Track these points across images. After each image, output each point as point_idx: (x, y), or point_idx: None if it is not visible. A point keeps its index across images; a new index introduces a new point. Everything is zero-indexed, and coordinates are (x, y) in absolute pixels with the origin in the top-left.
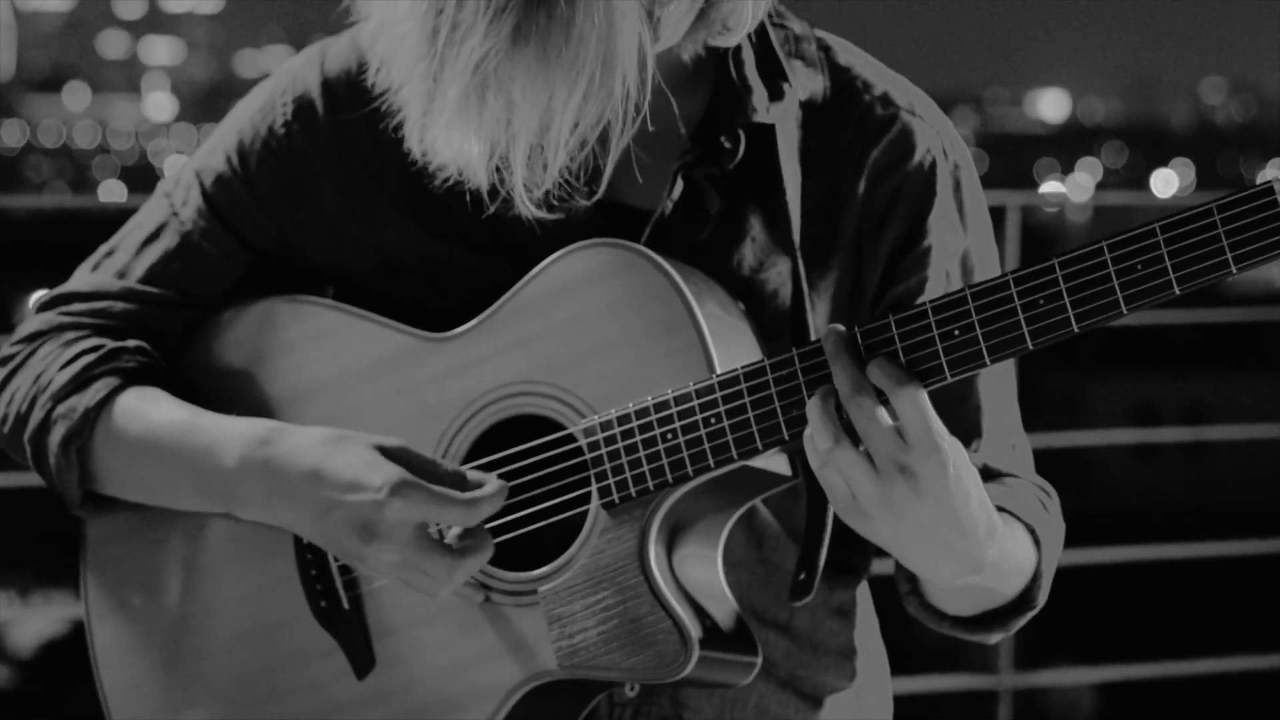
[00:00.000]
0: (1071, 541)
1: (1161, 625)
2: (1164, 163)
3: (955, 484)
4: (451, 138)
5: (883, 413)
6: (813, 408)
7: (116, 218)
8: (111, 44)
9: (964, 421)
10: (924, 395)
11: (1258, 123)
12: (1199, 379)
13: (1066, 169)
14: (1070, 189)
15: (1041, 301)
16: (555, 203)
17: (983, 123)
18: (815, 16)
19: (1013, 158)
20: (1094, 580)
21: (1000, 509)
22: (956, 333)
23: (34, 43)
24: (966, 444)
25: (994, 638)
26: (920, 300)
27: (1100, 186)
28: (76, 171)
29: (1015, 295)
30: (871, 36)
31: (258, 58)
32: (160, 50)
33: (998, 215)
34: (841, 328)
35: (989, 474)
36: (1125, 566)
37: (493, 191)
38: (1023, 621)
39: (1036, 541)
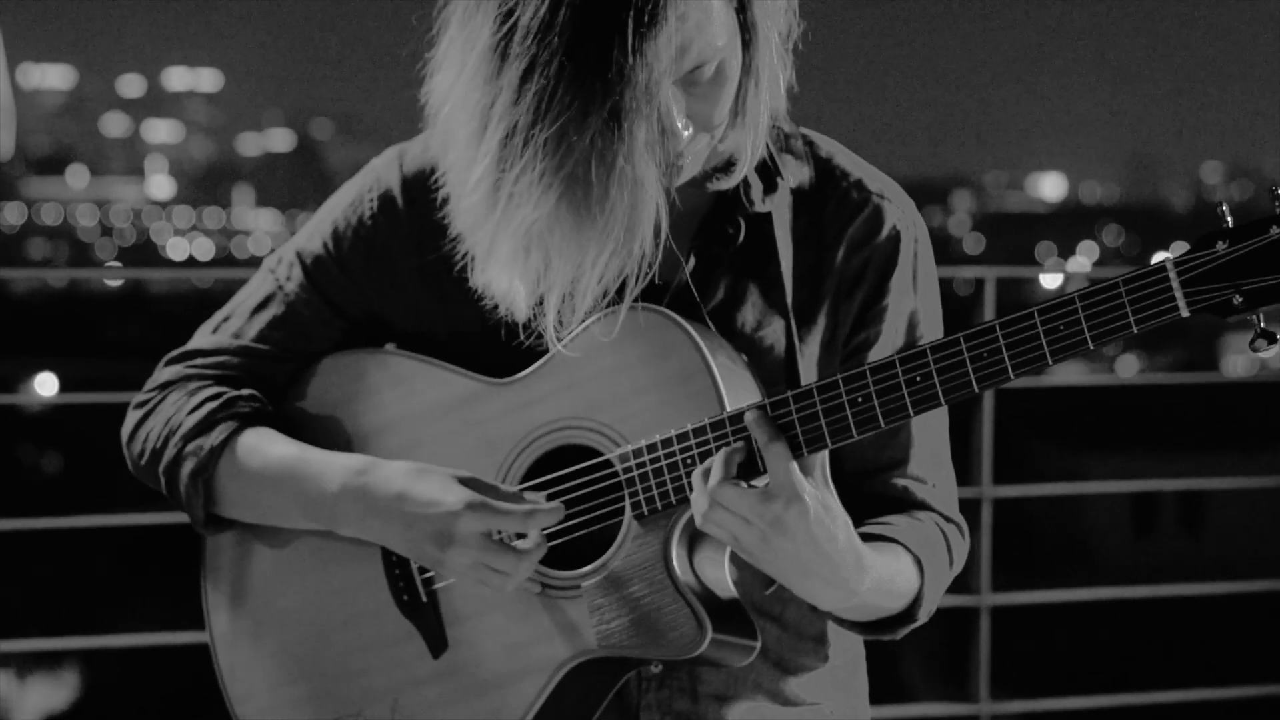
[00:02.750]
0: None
1: (1136, 658)
2: (1164, 245)
3: (818, 527)
4: (501, 280)
5: (742, 490)
6: (696, 490)
7: (117, 292)
8: (112, 124)
9: (895, 449)
10: (789, 461)
11: (1257, 205)
12: (1196, 459)
13: (1066, 252)
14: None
15: (985, 355)
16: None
17: (981, 205)
18: (823, 109)
19: (1011, 240)
20: (1071, 615)
21: (895, 540)
22: (918, 379)
23: (35, 124)
24: (893, 468)
25: (885, 638)
26: (875, 348)
27: (1097, 266)
28: (77, 251)
29: (965, 351)
30: (875, 124)
31: (259, 140)
32: (160, 131)
33: (978, 285)
34: (725, 459)
35: (906, 503)
36: (1103, 604)
37: (526, 325)
38: (906, 630)
39: (921, 573)
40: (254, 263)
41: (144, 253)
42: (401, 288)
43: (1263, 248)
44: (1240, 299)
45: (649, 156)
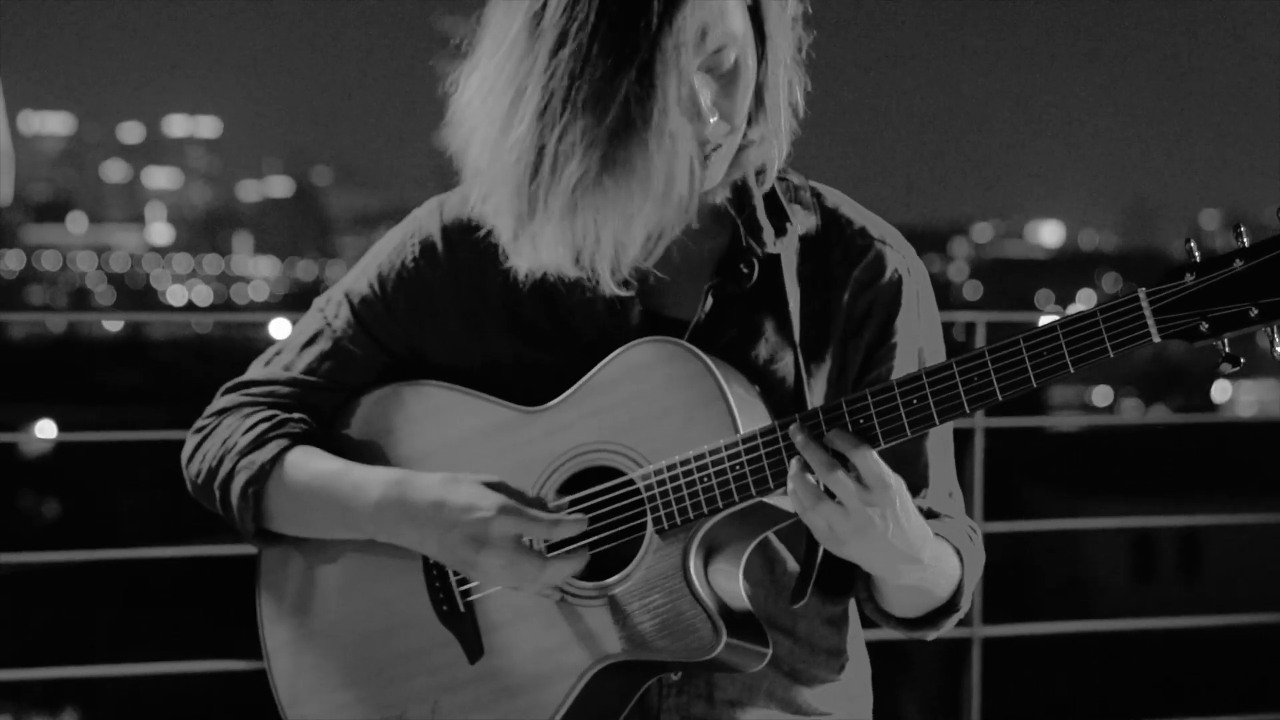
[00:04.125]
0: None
1: (1127, 692)
2: None
3: (902, 507)
4: (546, 249)
5: (848, 476)
6: (794, 477)
7: (115, 337)
8: (112, 171)
9: (915, 475)
10: (873, 453)
11: None
12: (1195, 504)
13: (1065, 299)
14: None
15: (975, 379)
16: (630, 279)
17: (980, 252)
18: (828, 158)
19: (1011, 287)
20: (1062, 648)
21: (937, 534)
22: (915, 402)
23: (35, 170)
24: (915, 492)
25: (930, 635)
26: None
27: None
28: (76, 298)
29: (957, 375)
30: (877, 173)
31: (259, 187)
32: (160, 178)
33: (970, 329)
34: (797, 424)
35: (931, 515)
36: (1094, 638)
37: (574, 283)
38: (950, 621)
39: (961, 560)
40: (253, 308)
41: (143, 299)
42: (441, 326)
43: (1227, 279)
44: (1207, 325)
45: (681, 113)
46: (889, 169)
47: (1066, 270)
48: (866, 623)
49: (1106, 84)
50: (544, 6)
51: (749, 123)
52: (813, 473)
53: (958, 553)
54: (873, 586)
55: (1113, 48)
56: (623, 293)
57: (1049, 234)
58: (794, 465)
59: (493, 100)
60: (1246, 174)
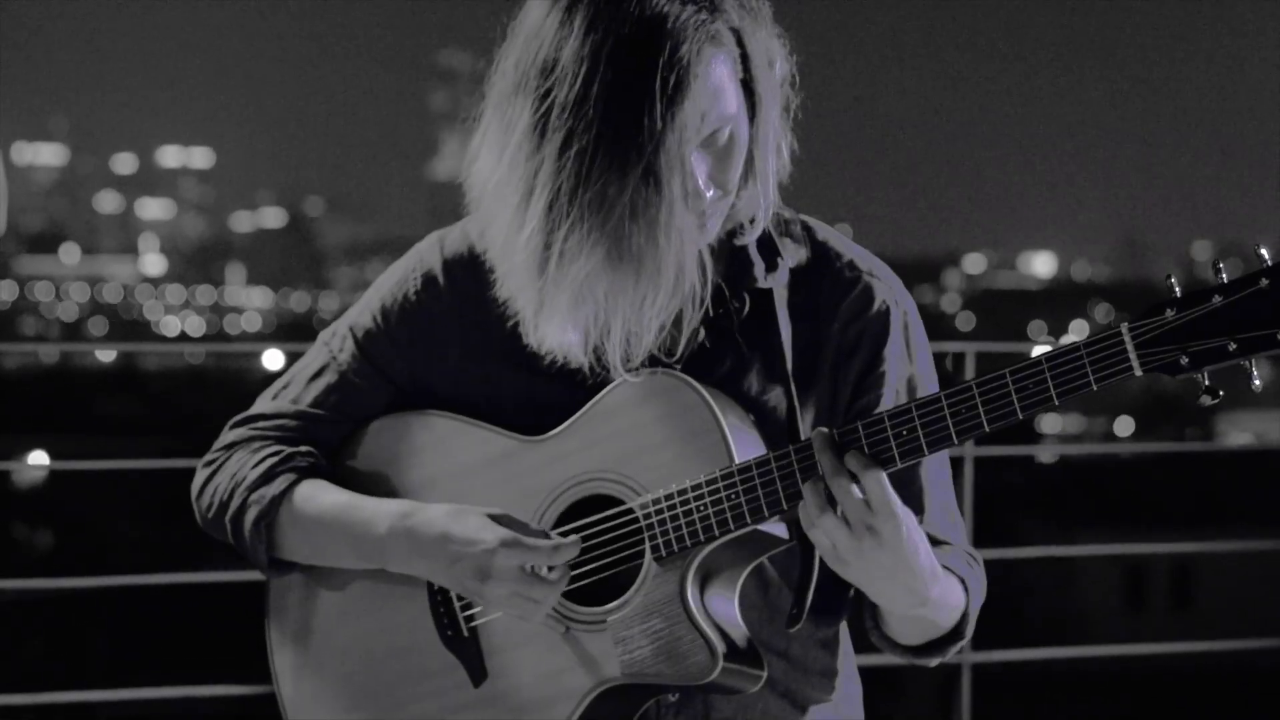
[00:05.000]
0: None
1: (1115, 718)
2: None
3: (907, 540)
4: (555, 333)
5: (856, 489)
6: (806, 489)
7: (108, 368)
8: (105, 202)
9: (911, 500)
10: (884, 477)
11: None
12: (1188, 539)
13: (1058, 330)
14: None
15: (963, 410)
16: (641, 367)
17: (973, 283)
18: (821, 191)
19: (1004, 318)
20: (1052, 676)
21: (944, 566)
22: (905, 433)
23: (28, 201)
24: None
25: (933, 661)
26: (878, 410)
27: None
28: (69, 329)
29: (946, 407)
30: (870, 207)
31: (252, 217)
32: (153, 209)
33: (959, 359)
34: (825, 430)
35: (932, 540)
36: (1085, 665)
37: (579, 370)
38: (954, 649)
39: (966, 590)
40: (246, 339)
41: (136, 330)
42: (443, 357)
43: (1206, 314)
44: (1186, 359)
45: (686, 209)
46: (881, 200)
47: (1059, 301)
48: (858, 646)
49: (1099, 115)
50: (550, 107)
51: (740, 184)
52: (827, 488)
53: (963, 582)
54: (878, 614)
55: (1106, 79)
56: (632, 379)
57: (1041, 265)
58: (809, 479)
59: (504, 199)
60: (1238, 206)
